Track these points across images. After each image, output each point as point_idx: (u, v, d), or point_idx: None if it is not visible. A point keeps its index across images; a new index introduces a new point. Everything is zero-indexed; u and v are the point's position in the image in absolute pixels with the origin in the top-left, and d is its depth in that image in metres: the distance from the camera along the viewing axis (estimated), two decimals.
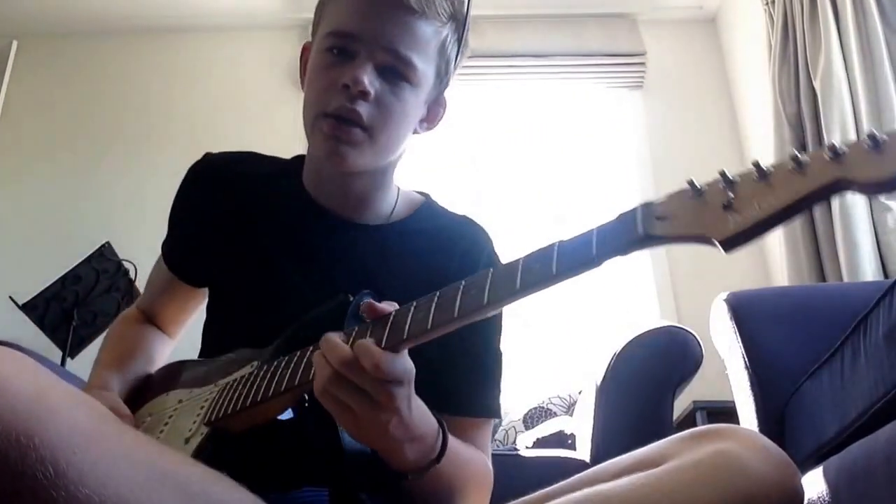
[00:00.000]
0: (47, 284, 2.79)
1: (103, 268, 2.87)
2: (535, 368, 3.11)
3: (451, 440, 0.86)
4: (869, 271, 2.49)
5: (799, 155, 0.55)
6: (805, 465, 1.41)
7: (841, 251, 2.58)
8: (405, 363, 0.74)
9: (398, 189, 1.13)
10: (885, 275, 2.50)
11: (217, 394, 0.93)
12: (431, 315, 0.72)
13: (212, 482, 0.59)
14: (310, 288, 1.01)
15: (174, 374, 1.08)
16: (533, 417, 2.43)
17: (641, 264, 3.46)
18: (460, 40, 1.05)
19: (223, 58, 3.84)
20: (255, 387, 0.86)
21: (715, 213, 0.57)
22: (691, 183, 0.60)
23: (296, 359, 0.84)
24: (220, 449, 0.86)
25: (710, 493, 0.63)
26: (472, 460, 0.96)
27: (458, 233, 1.12)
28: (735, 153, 3.62)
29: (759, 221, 0.54)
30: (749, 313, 1.71)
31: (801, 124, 2.89)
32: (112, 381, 1.07)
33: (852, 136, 2.65)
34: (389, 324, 0.75)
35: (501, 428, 2.47)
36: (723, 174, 0.58)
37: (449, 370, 0.98)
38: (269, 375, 0.85)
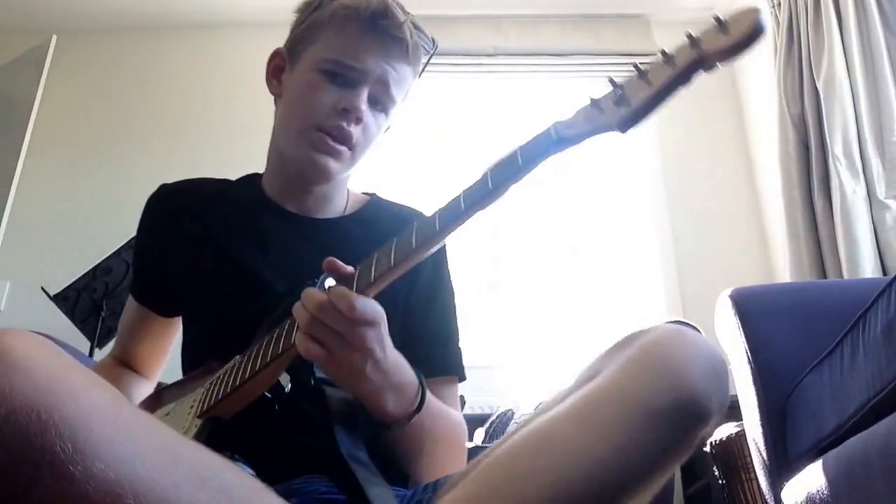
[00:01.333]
0: (78, 276, 2.81)
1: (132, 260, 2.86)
2: (546, 362, 3.13)
3: (429, 395, 0.93)
4: (868, 268, 2.52)
5: (667, 50, 0.68)
6: (805, 459, 1.43)
7: (841, 249, 2.60)
8: (374, 305, 0.81)
9: (347, 189, 1.23)
10: (884, 272, 2.53)
11: (204, 390, 0.97)
12: (392, 254, 0.80)
13: (223, 467, 0.60)
14: (278, 283, 1.06)
15: (155, 400, 1.11)
16: None
17: (648, 262, 3.49)
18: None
19: (263, 55, 3.80)
20: (239, 370, 0.91)
21: (609, 110, 0.71)
22: (591, 98, 0.74)
23: (274, 336, 0.89)
24: (215, 438, 0.89)
25: (642, 382, 0.67)
26: (448, 415, 1.03)
27: (404, 217, 1.20)
28: (740, 149, 3.65)
29: (642, 104, 0.68)
30: (752, 309, 1.72)
31: (805, 123, 2.91)
32: None
33: (853, 136, 2.69)
34: (357, 274, 0.83)
35: (513, 421, 2.48)
36: (610, 80, 0.72)
37: (416, 337, 1.08)
38: (250, 358, 0.90)
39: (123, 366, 1.26)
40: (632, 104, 0.69)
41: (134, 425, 0.56)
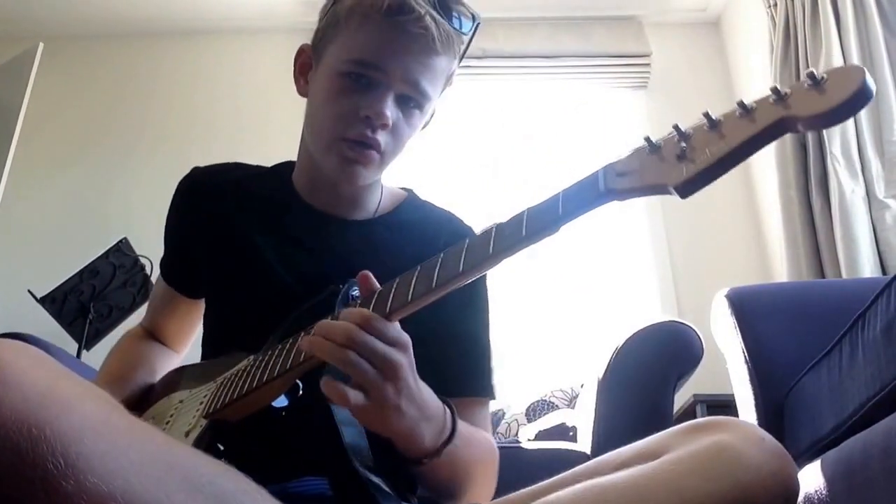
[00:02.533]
0: (65, 279, 2.84)
1: (120, 263, 2.91)
2: (538, 362, 3.13)
3: (459, 421, 0.89)
4: (867, 268, 2.51)
5: (746, 102, 0.58)
6: (803, 459, 1.42)
7: (840, 248, 2.60)
8: (401, 331, 0.78)
9: (382, 186, 1.17)
10: (883, 271, 2.52)
11: (215, 388, 0.95)
12: (413, 286, 0.75)
13: (218, 473, 0.59)
14: (302, 282, 1.03)
15: (175, 379, 1.10)
16: (535, 410, 2.43)
17: (644, 260, 3.49)
18: (453, 74, 1.11)
19: (245, 60, 3.87)
20: (250, 376, 0.88)
21: (671, 164, 0.61)
22: (647, 139, 0.64)
23: (288, 345, 0.86)
24: (218, 440, 0.89)
25: (706, 483, 0.64)
26: (479, 439, 0.99)
27: (441, 223, 1.16)
28: None
29: (711, 165, 0.58)
30: (749, 308, 1.72)
31: None
32: (111, 393, 1.08)
33: (852, 135, 2.68)
34: (375, 297, 0.78)
35: (504, 421, 2.48)
36: (676, 127, 0.62)
37: (445, 355, 1.02)
38: (263, 364, 0.88)
39: (151, 337, 1.27)
40: (697, 162, 0.59)
41: (127, 436, 0.55)
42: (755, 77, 3.47)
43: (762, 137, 0.57)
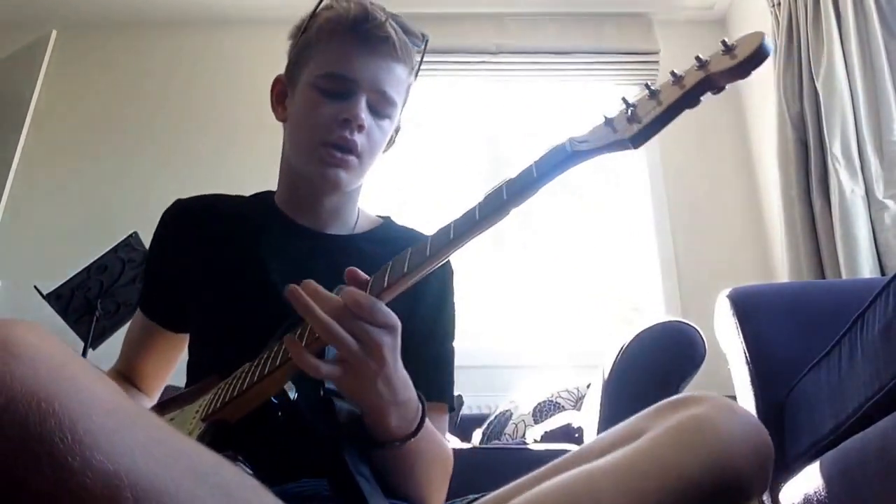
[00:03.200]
0: (73, 274, 2.79)
1: (129, 258, 2.85)
2: (544, 363, 3.14)
3: (427, 420, 0.93)
4: (867, 268, 2.52)
5: (676, 72, 0.73)
6: (803, 460, 1.43)
7: (840, 249, 2.60)
8: (390, 313, 0.82)
9: (359, 209, 1.25)
10: (882, 272, 2.52)
11: (211, 395, 0.97)
12: (406, 261, 0.83)
13: (222, 465, 0.60)
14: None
15: (159, 410, 1.09)
16: (542, 411, 2.42)
17: (647, 261, 3.50)
18: (412, 83, 1.21)
19: (266, 51, 3.78)
20: (246, 376, 0.90)
21: (622, 127, 0.75)
22: (604, 116, 0.78)
23: (282, 345, 0.88)
24: (218, 440, 0.89)
25: (685, 455, 0.66)
26: (439, 441, 1.03)
27: (417, 241, 1.19)
28: (740, 149, 3.66)
29: (653, 120, 0.72)
30: (751, 309, 1.73)
31: (804, 123, 2.91)
32: None
33: (852, 135, 2.69)
34: (371, 280, 0.85)
35: (511, 422, 2.48)
36: (623, 100, 0.76)
37: (413, 360, 1.03)
38: (258, 363, 0.90)
39: (124, 381, 1.25)
40: (642, 121, 0.73)
41: (134, 419, 0.55)
42: (759, 76, 3.46)
43: (690, 95, 0.71)
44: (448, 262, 1.19)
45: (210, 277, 1.14)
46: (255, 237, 1.15)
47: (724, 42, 0.69)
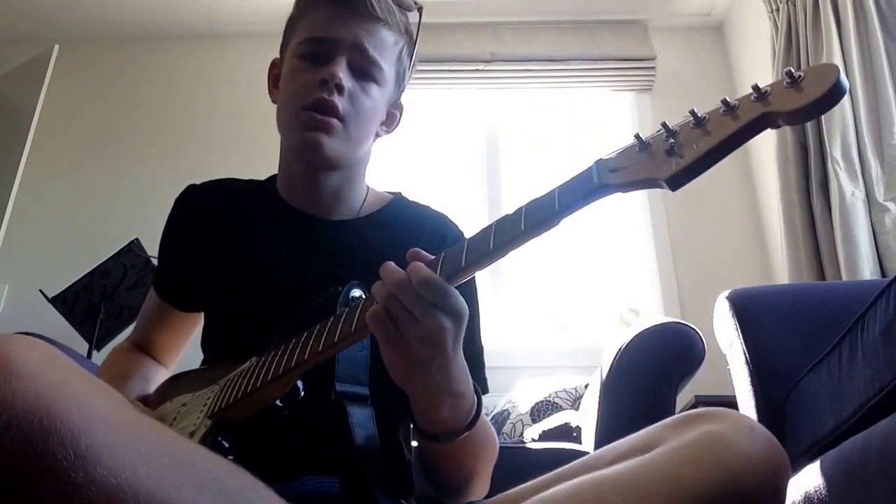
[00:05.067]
0: (77, 279, 2.86)
1: (131, 263, 2.93)
2: (542, 364, 3.14)
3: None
4: (867, 270, 2.52)
5: (728, 100, 0.62)
6: (803, 460, 1.42)
7: (840, 250, 2.60)
8: (458, 297, 0.78)
9: (367, 188, 1.21)
10: (883, 273, 2.52)
11: (219, 390, 0.96)
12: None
13: (225, 469, 0.60)
14: (287, 285, 1.07)
15: (172, 386, 1.11)
16: (540, 411, 2.42)
17: (647, 263, 3.50)
18: (411, 55, 1.17)
19: (265, 64, 3.82)
20: (254, 375, 0.90)
21: (660, 159, 0.64)
22: (637, 137, 0.67)
23: (291, 345, 0.88)
24: (223, 440, 0.90)
25: (698, 472, 0.65)
26: (491, 435, 1.02)
27: (427, 220, 1.19)
28: (739, 151, 3.59)
29: (698, 159, 0.62)
30: (750, 310, 1.72)
31: (803, 128, 2.91)
32: None
33: (852, 138, 2.69)
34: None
35: (509, 421, 2.47)
36: (664, 125, 0.65)
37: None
38: (266, 363, 0.90)
39: (140, 351, 1.27)
40: (685, 157, 0.63)
41: (136, 430, 0.56)
42: (758, 80, 3.44)
43: (745, 132, 0.61)
44: None
45: (215, 264, 1.15)
46: (257, 225, 1.15)
47: (789, 73, 0.59)
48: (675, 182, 0.63)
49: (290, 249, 1.11)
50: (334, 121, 1.05)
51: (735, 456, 0.66)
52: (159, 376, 1.23)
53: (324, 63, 1.06)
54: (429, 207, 1.23)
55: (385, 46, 1.10)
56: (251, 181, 1.26)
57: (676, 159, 0.62)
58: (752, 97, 0.61)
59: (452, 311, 0.78)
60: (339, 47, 1.07)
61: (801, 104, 0.57)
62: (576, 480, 0.70)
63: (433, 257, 0.80)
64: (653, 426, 0.77)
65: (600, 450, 0.81)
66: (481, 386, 1.11)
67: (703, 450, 0.67)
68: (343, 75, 1.05)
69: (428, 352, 0.78)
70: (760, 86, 0.61)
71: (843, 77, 0.57)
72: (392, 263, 0.79)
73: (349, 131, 1.07)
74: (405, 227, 1.16)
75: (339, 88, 1.05)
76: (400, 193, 1.25)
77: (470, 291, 1.14)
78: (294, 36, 1.12)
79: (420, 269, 0.77)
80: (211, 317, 1.18)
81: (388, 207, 1.20)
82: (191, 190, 1.24)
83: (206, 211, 1.20)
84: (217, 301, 1.15)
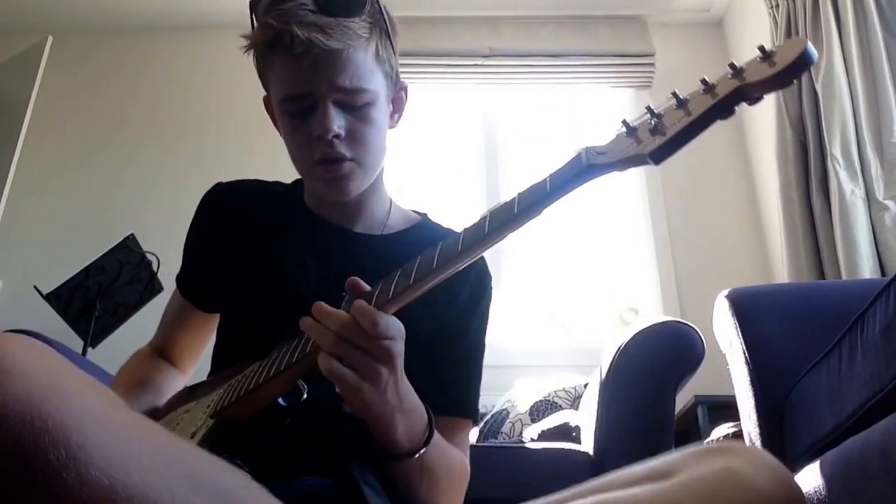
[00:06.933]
0: (71, 275, 2.83)
1: (126, 259, 2.89)
2: (542, 363, 3.14)
3: (436, 434, 0.93)
4: (867, 269, 2.52)
5: (707, 79, 0.66)
6: (802, 460, 1.43)
7: (840, 249, 2.61)
8: (396, 321, 0.82)
9: (391, 201, 1.21)
10: (883, 272, 2.53)
11: (223, 391, 0.97)
12: (413, 272, 0.81)
13: (220, 469, 0.60)
14: (308, 293, 1.05)
15: (183, 397, 1.11)
16: (539, 410, 2.42)
17: (646, 262, 3.50)
18: (388, 32, 1.08)
19: None
20: (255, 374, 0.91)
21: (645, 138, 0.68)
22: (625, 122, 0.71)
23: (294, 343, 0.89)
24: (224, 439, 0.90)
25: None
26: (453, 456, 1.02)
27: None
28: (739, 150, 3.66)
29: (678, 132, 0.65)
30: (750, 309, 1.72)
31: (803, 124, 2.92)
32: None
33: (852, 136, 2.69)
34: (377, 290, 0.83)
35: (508, 421, 2.48)
36: (649, 108, 0.69)
37: (435, 371, 1.05)
38: (268, 364, 0.90)
39: (160, 356, 1.28)
40: (667, 133, 0.66)
41: (128, 430, 0.55)
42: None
43: (723, 105, 0.65)
44: (487, 272, 1.17)
45: (236, 266, 1.14)
46: (282, 230, 1.15)
47: (761, 48, 0.63)
48: (658, 155, 0.66)
49: (315, 258, 1.11)
50: (347, 164, 1.04)
51: (753, 494, 0.65)
52: (175, 384, 1.23)
53: (309, 113, 1.02)
54: (451, 230, 1.21)
55: (362, 67, 1.03)
56: (277, 183, 1.25)
57: (659, 136, 0.66)
58: (729, 74, 0.65)
59: (399, 335, 0.82)
60: (317, 98, 1.01)
61: (772, 72, 0.62)
62: (589, 499, 0.70)
63: (368, 288, 0.84)
64: (673, 455, 0.76)
65: (616, 471, 0.80)
66: (467, 402, 1.11)
67: (720, 484, 0.67)
68: (334, 124, 1.01)
69: (385, 375, 0.82)
70: (736, 63, 0.65)
71: (810, 47, 0.61)
72: (325, 304, 0.82)
73: (364, 164, 1.07)
74: (425, 246, 1.14)
75: (337, 136, 1.02)
76: (426, 215, 1.25)
77: (476, 300, 1.15)
78: (270, 87, 1.09)
79: (365, 311, 0.79)
80: (227, 320, 1.18)
81: (416, 227, 1.20)
82: (217, 189, 1.23)
83: (232, 211, 1.19)
84: (235, 304, 1.15)
